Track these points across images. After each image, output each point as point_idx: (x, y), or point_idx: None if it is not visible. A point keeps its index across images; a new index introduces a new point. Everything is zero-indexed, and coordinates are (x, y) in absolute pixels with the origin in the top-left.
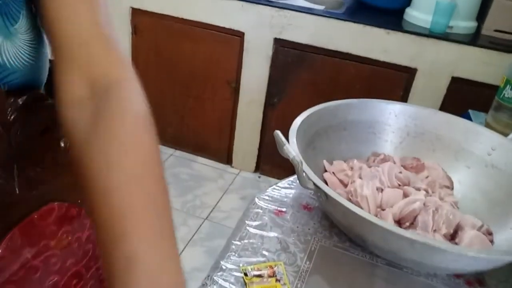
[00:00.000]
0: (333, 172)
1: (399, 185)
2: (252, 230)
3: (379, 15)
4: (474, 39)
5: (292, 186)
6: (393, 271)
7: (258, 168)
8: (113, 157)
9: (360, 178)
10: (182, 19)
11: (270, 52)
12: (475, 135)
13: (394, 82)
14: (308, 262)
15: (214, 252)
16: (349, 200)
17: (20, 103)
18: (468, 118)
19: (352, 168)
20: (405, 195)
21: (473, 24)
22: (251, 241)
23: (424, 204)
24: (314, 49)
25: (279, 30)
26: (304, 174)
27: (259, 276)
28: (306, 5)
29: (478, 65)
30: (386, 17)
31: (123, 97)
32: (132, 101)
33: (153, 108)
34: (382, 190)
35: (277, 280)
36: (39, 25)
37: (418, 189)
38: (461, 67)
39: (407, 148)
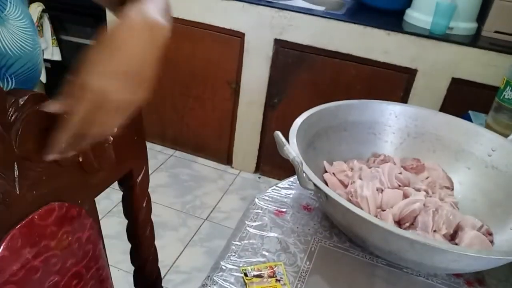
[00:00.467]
0: (333, 173)
1: (399, 185)
2: (252, 230)
3: (379, 16)
4: (474, 40)
5: (292, 186)
6: (393, 271)
7: (258, 169)
8: None
9: (360, 178)
10: (183, 19)
11: (270, 53)
12: (476, 136)
13: (394, 83)
14: (308, 263)
15: (214, 253)
16: (349, 200)
17: (21, 103)
18: (468, 119)
19: (352, 169)
20: (405, 196)
21: (473, 25)
22: (251, 241)
23: (424, 204)
24: (315, 50)
25: (280, 31)
26: (304, 175)
27: (259, 276)
28: (306, 6)
29: (478, 66)
30: (386, 18)
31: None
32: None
33: (153, 109)
34: (382, 190)
35: (277, 281)
36: (30, 13)
37: (418, 190)
38: (461, 68)
39: (407, 149)
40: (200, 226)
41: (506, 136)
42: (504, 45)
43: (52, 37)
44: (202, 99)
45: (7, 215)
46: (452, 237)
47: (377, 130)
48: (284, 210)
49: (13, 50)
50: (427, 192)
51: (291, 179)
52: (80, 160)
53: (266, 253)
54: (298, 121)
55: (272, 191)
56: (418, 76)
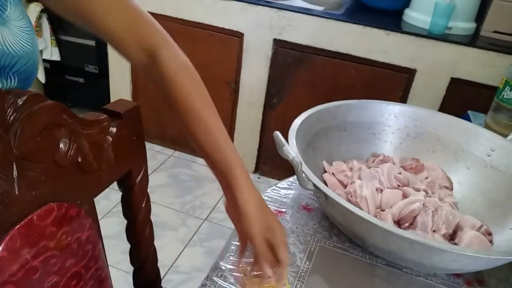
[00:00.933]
0: (333, 173)
1: (399, 185)
2: None
3: (378, 16)
4: (473, 40)
5: (292, 187)
6: (393, 271)
7: (257, 169)
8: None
9: (360, 179)
10: (182, 19)
11: (269, 53)
12: (475, 136)
13: (393, 83)
14: (307, 263)
15: (214, 253)
16: (349, 200)
17: (20, 103)
18: (468, 119)
19: (351, 169)
20: (405, 196)
21: (472, 25)
22: None
23: (423, 204)
24: (314, 50)
25: (279, 31)
26: (303, 175)
27: (259, 276)
28: (305, 5)
29: (477, 66)
30: (385, 18)
31: (168, 57)
32: (175, 59)
33: (152, 109)
34: (381, 190)
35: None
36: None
37: (418, 190)
38: (460, 68)
39: (406, 149)
40: (200, 226)
41: (505, 136)
42: (502, 45)
43: (51, 37)
44: None
45: (6, 215)
46: (452, 237)
47: (376, 130)
48: (283, 210)
49: (15, 50)
50: (426, 192)
51: (291, 179)
52: (79, 160)
53: None
54: (297, 121)
55: (272, 191)
56: (417, 76)
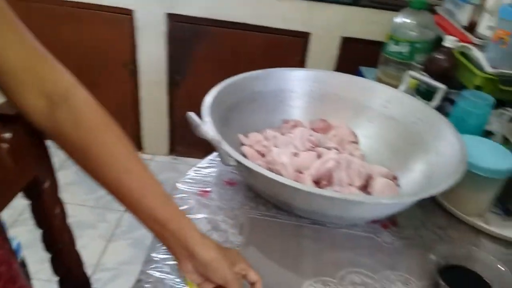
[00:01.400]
0: (250, 145)
1: (312, 147)
2: None
3: None
4: (357, 0)
5: (213, 164)
6: (318, 228)
7: (172, 150)
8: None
9: (276, 146)
10: (63, 1)
11: (164, 28)
12: (372, 91)
13: (291, 47)
14: (240, 237)
15: (140, 243)
16: (269, 169)
17: None
18: (361, 75)
19: (266, 138)
20: (319, 156)
21: None
22: None
23: (337, 161)
24: (211, 21)
25: (170, 5)
26: (224, 152)
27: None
28: None
29: (364, 24)
30: None
31: (81, 101)
32: (89, 102)
33: None
34: (297, 154)
35: None
36: None
37: (329, 149)
38: (349, 28)
39: (313, 111)
40: (120, 219)
41: (396, 87)
42: (384, 2)
43: None
44: (99, 85)
45: None
46: (365, 187)
47: (283, 97)
48: (208, 189)
49: None
50: (337, 150)
51: (210, 157)
52: None
53: None
54: (208, 99)
55: (193, 173)
56: (312, 39)
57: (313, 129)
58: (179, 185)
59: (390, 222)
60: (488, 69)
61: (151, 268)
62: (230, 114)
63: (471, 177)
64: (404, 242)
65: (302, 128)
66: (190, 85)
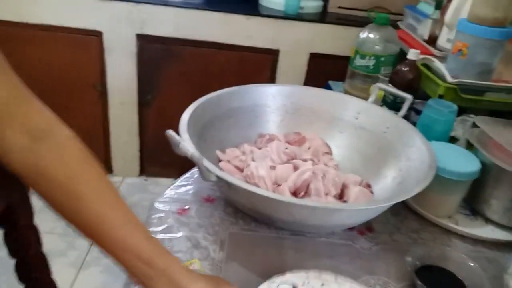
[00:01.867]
0: (228, 160)
1: (288, 160)
2: (159, 236)
3: (236, 1)
4: (322, 17)
5: (190, 182)
6: (298, 239)
7: (143, 171)
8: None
9: (253, 160)
10: (27, 24)
11: (134, 49)
12: (342, 104)
13: (261, 64)
14: (221, 252)
15: (113, 269)
16: (248, 183)
17: None
18: (329, 88)
19: (244, 153)
20: (295, 168)
21: (319, 3)
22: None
23: (313, 172)
24: (180, 41)
25: (140, 26)
26: (205, 169)
27: None
28: None
29: (330, 40)
30: (243, 3)
31: (64, 137)
32: (72, 138)
33: None
34: (274, 167)
35: None
36: None
37: (305, 160)
38: (316, 44)
39: (287, 124)
40: (91, 245)
41: (363, 98)
42: (348, 19)
43: None
44: (67, 108)
45: None
46: (341, 196)
47: (258, 112)
48: (186, 207)
49: None
50: (313, 161)
51: (187, 175)
52: None
53: (179, 254)
54: (185, 117)
55: (170, 191)
56: (281, 56)
57: (288, 142)
58: (156, 205)
59: (366, 228)
60: (450, 79)
61: None
62: (207, 130)
63: (440, 180)
64: (381, 247)
65: (278, 141)
66: (161, 105)
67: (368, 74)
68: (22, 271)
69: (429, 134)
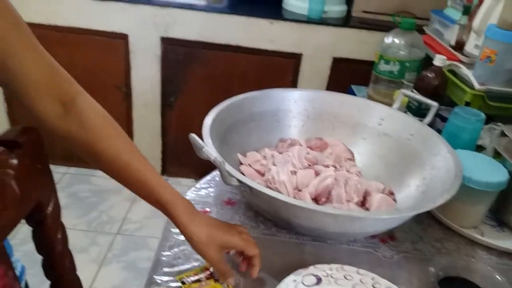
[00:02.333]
0: (249, 164)
1: (309, 165)
2: (179, 237)
3: (259, 6)
4: (346, 21)
5: (211, 184)
6: (319, 245)
7: (165, 171)
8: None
9: (274, 165)
10: (55, 26)
11: (158, 52)
12: (366, 109)
13: (283, 68)
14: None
15: (133, 266)
16: (269, 187)
17: None
18: (352, 92)
19: (265, 157)
20: (316, 174)
21: (343, 7)
22: (181, 248)
23: (335, 178)
24: (204, 44)
25: (164, 29)
26: (227, 172)
27: (198, 281)
28: (187, 1)
29: (354, 44)
30: (267, 7)
31: (86, 105)
32: (93, 105)
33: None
34: (295, 172)
35: (216, 281)
36: None
37: (327, 166)
38: (340, 48)
39: (309, 129)
40: (112, 242)
41: (385, 104)
42: (372, 23)
43: None
44: None
45: None
46: (363, 203)
47: (280, 116)
48: (208, 210)
49: None
50: (334, 167)
51: (208, 177)
52: None
53: (199, 257)
54: (208, 121)
55: (192, 193)
56: (303, 60)
57: (310, 147)
58: None
59: (388, 236)
60: (477, 86)
61: None
62: (230, 134)
63: (466, 190)
64: (403, 255)
65: (299, 146)
66: (184, 107)
67: (392, 79)
68: (48, 268)
69: (455, 142)
